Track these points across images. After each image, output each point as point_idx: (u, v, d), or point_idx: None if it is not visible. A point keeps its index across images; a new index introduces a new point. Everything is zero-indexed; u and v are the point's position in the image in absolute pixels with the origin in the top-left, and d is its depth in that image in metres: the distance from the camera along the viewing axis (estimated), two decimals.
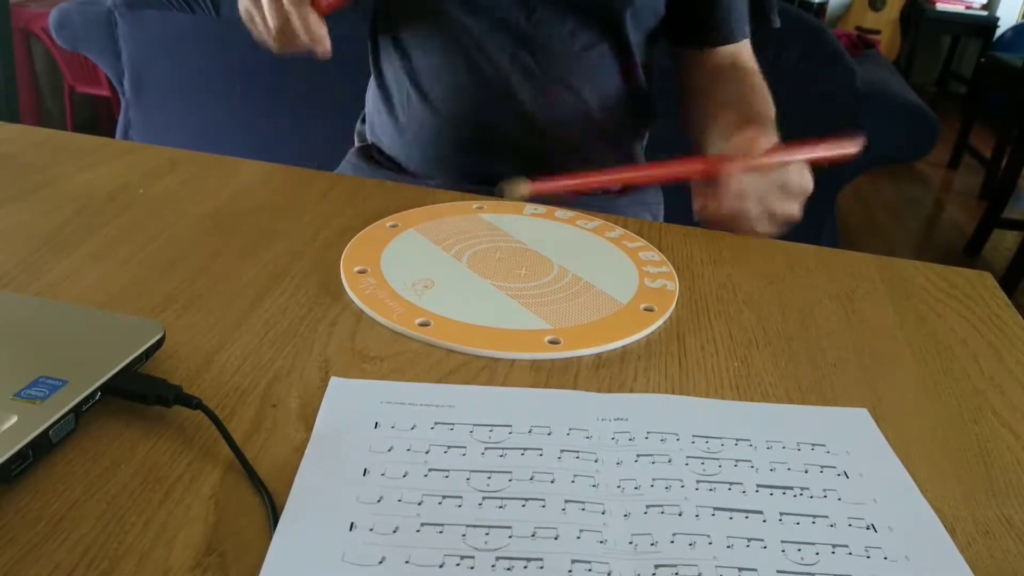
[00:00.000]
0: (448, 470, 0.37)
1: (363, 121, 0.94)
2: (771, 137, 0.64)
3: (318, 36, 0.65)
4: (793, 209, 0.63)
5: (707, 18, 0.80)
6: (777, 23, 0.85)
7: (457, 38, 0.77)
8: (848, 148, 0.64)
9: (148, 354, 0.41)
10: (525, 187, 0.63)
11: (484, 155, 0.83)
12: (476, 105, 0.80)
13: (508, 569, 0.32)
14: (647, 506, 0.36)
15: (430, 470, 0.37)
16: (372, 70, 0.88)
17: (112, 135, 1.93)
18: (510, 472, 0.37)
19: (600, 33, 0.78)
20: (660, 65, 0.87)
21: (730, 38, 0.80)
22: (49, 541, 0.32)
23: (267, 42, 0.68)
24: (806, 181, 0.62)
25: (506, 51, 0.77)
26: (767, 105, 0.75)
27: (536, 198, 0.65)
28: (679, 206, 0.98)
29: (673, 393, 0.45)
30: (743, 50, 0.82)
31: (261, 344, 0.46)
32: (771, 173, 0.61)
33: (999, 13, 4.41)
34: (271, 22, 0.64)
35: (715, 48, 0.81)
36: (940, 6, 4.37)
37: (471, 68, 0.78)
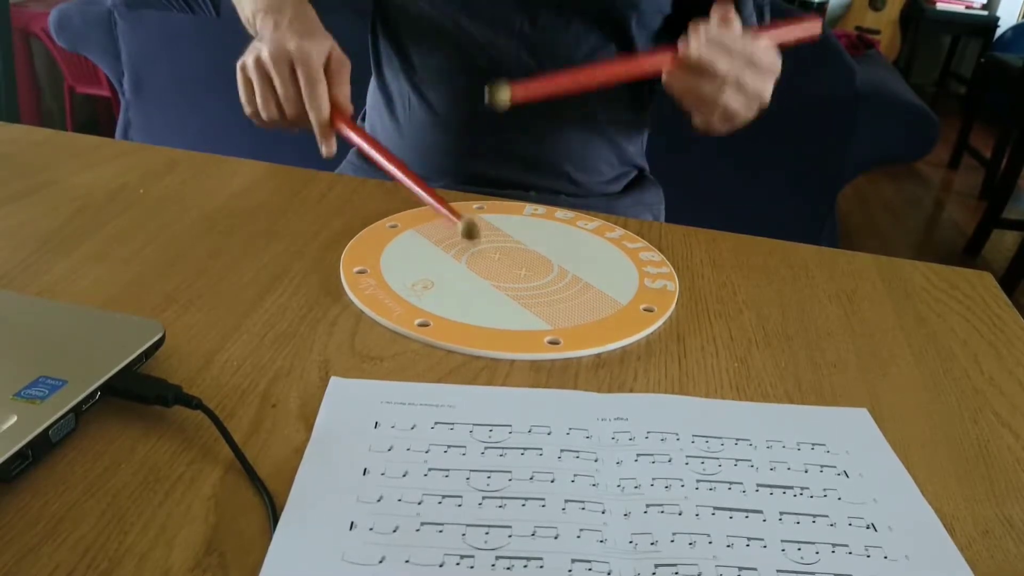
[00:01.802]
0: (448, 470, 0.37)
1: (363, 120, 0.94)
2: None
3: (327, 141, 0.64)
4: (763, 86, 0.62)
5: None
6: (769, 22, 0.85)
7: (459, 43, 0.77)
8: (811, 30, 0.64)
9: (148, 354, 0.41)
10: (506, 92, 0.61)
11: (484, 159, 0.83)
12: (478, 110, 0.80)
13: (508, 568, 0.32)
14: (647, 505, 0.36)
15: (430, 470, 0.37)
16: (373, 70, 0.88)
17: (112, 135, 1.93)
18: (510, 472, 0.37)
19: (605, 37, 0.78)
20: None
21: None
22: (49, 541, 0.32)
23: (250, 114, 0.67)
24: (774, 58, 0.62)
25: (510, 57, 0.77)
26: None
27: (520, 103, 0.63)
28: (679, 206, 0.99)
29: (673, 393, 0.45)
30: None
31: (261, 344, 0.46)
32: (740, 42, 0.60)
33: (999, 13, 4.41)
34: (287, 110, 0.63)
35: None
36: (940, 6, 4.37)
37: (473, 74, 0.78)
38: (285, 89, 0.63)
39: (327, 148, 0.66)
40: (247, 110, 0.66)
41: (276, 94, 0.64)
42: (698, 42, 0.59)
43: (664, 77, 0.62)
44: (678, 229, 0.67)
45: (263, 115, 0.65)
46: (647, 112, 0.89)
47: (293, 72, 0.62)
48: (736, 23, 0.61)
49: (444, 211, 0.62)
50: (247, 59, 0.65)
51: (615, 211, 0.79)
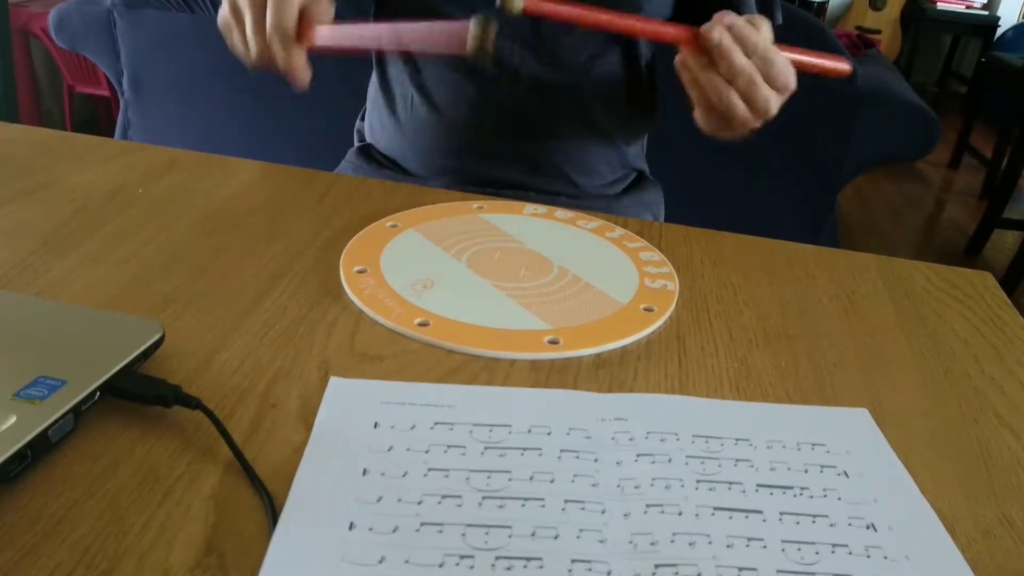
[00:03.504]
0: (448, 470, 0.37)
1: (363, 118, 0.94)
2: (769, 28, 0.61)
3: (298, 72, 0.58)
4: (771, 97, 0.60)
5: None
6: (780, 20, 0.84)
7: None
8: (839, 65, 0.63)
9: (147, 354, 0.41)
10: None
11: (484, 160, 0.83)
12: (479, 111, 0.80)
13: (508, 569, 0.32)
14: (647, 506, 0.36)
15: (429, 470, 0.37)
16: (375, 67, 0.88)
17: (112, 135, 1.93)
18: (510, 472, 0.37)
19: (608, 41, 0.78)
20: (662, 63, 0.87)
21: None
22: (49, 541, 0.32)
23: (241, 58, 0.62)
24: (791, 75, 0.60)
25: (513, 60, 0.77)
26: None
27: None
28: (679, 206, 0.98)
29: (673, 393, 0.45)
30: None
31: (261, 344, 0.46)
32: (763, 45, 0.58)
33: (1000, 13, 4.41)
34: (252, 47, 0.59)
35: None
36: (941, 6, 4.37)
37: (476, 75, 0.78)
38: (256, 21, 0.57)
39: (292, 70, 0.58)
40: (241, 55, 0.61)
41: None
42: (722, 28, 0.57)
43: (678, 57, 0.60)
44: (678, 229, 0.67)
45: (252, 53, 0.59)
46: (650, 115, 0.89)
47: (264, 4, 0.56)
48: (765, 29, 0.59)
49: (449, 31, 0.54)
50: (223, 5, 0.59)
51: (615, 211, 0.79)
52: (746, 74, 0.57)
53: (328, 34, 0.57)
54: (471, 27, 0.51)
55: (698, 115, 0.64)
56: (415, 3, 0.78)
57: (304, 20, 0.57)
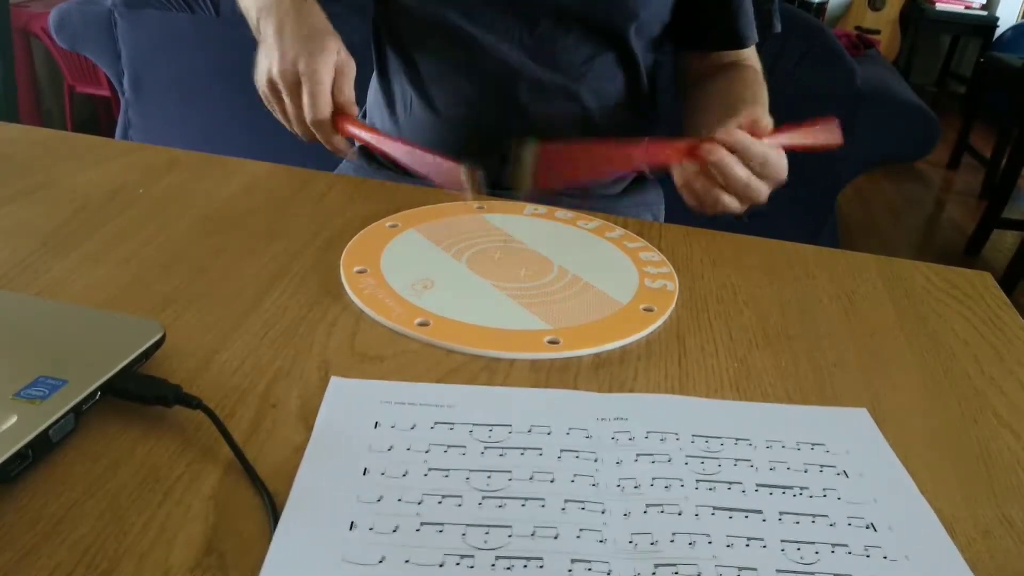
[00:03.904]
0: (448, 469, 0.37)
1: (363, 117, 0.94)
2: (768, 119, 0.63)
3: (339, 148, 0.66)
4: (764, 191, 0.62)
5: (715, 24, 0.80)
6: (779, 28, 0.85)
7: (461, 47, 0.77)
8: (833, 138, 0.64)
9: (148, 354, 0.41)
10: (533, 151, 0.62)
11: (483, 161, 0.83)
12: (478, 112, 0.80)
13: (508, 568, 0.32)
14: (647, 505, 0.36)
15: (430, 469, 0.37)
16: (375, 67, 0.88)
17: (112, 135, 1.93)
18: (510, 472, 0.37)
19: (604, 44, 0.78)
20: (663, 67, 0.87)
21: (738, 43, 0.80)
22: (49, 541, 0.32)
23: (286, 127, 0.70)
24: (784, 167, 0.62)
25: (510, 62, 0.77)
26: (761, 95, 0.75)
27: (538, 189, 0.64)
28: (679, 206, 0.98)
29: (673, 393, 0.45)
30: (746, 51, 0.82)
31: (261, 344, 0.46)
32: (759, 152, 0.60)
33: (999, 13, 4.41)
34: (297, 131, 0.66)
35: (721, 51, 0.81)
36: (940, 6, 4.37)
37: (474, 76, 0.78)
38: (296, 111, 0.64)
39: (337, 151, 0.67)
40: (285, 126, 0.68)
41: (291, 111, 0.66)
42: (720, 148, 0.59)
43: (675, 168, 0.62)
44: (678, 229, 0.67)
45: (298, 133, 0.67)
46: (649, 116, 0.89)
47: (300, 90, 0.63)
48: (765, 122, 0.60)
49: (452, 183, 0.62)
50: (260, 78, 0.66)
51: (615, 211, 0.79)
52: (742, 181, 0.59)
53: (357, 133, 0.65)
54: (462, 174, 0.62)
55: (688, 201, 0.65)
56: (415, 9, 0.78)
57: (337, 106, 0.64)
